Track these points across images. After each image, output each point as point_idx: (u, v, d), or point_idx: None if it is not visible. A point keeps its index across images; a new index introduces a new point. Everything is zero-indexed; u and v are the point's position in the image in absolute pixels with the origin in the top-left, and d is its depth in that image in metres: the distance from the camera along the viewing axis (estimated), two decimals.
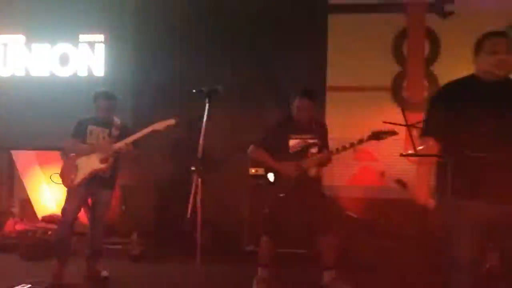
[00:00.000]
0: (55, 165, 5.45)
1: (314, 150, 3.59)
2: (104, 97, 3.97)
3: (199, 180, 2.66)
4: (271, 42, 5.40)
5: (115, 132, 3.87)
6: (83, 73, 5.78)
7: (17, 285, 3.45)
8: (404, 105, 5.43)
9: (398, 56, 5.77)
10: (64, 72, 5.80)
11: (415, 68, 5.79)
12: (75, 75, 5.78)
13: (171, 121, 3.55)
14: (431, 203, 2.35)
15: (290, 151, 3.57)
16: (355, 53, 5.74)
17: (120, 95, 5.35)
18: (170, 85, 5.32)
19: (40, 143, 5.57)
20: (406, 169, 5.68)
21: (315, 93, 3.70)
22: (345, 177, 5.80)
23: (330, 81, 5.77)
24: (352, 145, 3.48)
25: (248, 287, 3.64)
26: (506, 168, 2.24)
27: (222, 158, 4.87)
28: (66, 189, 3.85)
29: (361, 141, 3.48)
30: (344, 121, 5.57)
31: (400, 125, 3.19)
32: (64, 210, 3.83)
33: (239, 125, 5.14)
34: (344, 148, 3.50)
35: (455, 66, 5.66)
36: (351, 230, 5.16)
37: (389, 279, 4.01)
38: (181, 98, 5.13)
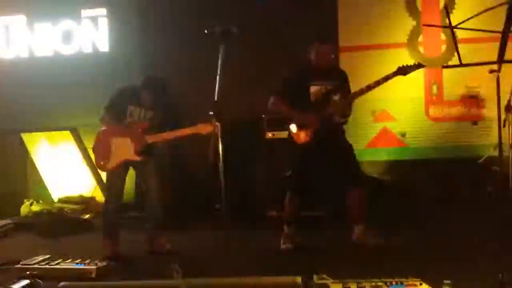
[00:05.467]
0: (66, 145, 5.39)
1: (336, 96, 3.40)
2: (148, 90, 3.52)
3: (219, 124, 2.47)
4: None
5: (158, 114, 3.59)
6: (87, 49, 5.63)
7: (37, 257, 3.31)
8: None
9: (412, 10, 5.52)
10: (68, 50, 5.66)
11: (430, 22, 5.54)
12: (80, 52, 5.63)
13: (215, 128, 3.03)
14: None
15: (311, 98, 3.39)
16: (366, 10, 5.54)
17: (127, 70, 5.32)
18: (179, 54, 5.17)
19: (50, 124, 5.47)
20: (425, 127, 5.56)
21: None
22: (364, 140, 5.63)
23: (342, 41, 5.55)
24: (377, 83, 3.28)
25: (275, 250, 3.51)
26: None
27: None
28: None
29: (387, 78, 3.28)
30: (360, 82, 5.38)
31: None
32: (107, 189, 3.73)
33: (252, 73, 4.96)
34: (369, 88, 3.29)
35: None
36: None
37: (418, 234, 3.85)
38: (193, 66, 4.98)
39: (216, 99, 2.53)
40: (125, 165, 3.65)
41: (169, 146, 3.63)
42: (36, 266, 3.15)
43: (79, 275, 3.06)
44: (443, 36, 5.49)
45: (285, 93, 3.44)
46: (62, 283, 2.21)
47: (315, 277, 2.51)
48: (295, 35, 4.89)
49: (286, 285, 1.90)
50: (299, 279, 1.93)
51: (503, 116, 4.17)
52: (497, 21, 2.26)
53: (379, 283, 2.45)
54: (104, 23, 5.58)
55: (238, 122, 4.90)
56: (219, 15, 5.04)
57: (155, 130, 3.60)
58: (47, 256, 3.34)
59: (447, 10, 2.31)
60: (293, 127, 3.40)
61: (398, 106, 5.61)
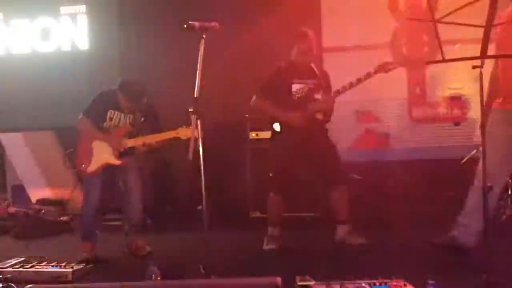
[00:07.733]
0: (45, 146, 5.23)
1: (318, 95, 3.36)
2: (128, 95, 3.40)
3: (199, 122, 2.40)
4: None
5: (138, 118, 3.52)
6: (66, 47, 5.50)
7: (12, 260, 3.19)
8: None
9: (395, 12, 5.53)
10: (46, 48, 5.52)
11: (413, 23, 5.55)
12: (58, 50, 5.50)
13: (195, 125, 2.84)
14: None
15: (294, 97, 3.34)
16: (349, 11, 5.53)
17: (107, 69, 5.19)
18: (160, 51, 5.07)
19: (28, 124, 5.31)
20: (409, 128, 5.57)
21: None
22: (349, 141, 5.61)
23: (325, 42, 5.52)
24: (359, 80, 3.25)
25: (258, 251, 3.44)
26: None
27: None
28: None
29: (368, 75, 3.26)
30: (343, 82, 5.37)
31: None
32: (86, 191, 3.61)
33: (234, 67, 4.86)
34: (351, 85, 3.27)
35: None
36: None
37: (401, 235, 3.82)
38: (175, 62, 4.87)
39: (196, 95, 2.46)
40: (105, 168, 3.57)
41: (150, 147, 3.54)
42: (10, 269, 3.03)
43: (55, 279, 2.95)
44: (425, 38, 5.52)
45: (268, 92, 3.39)
46: (29, 286, 2.09)
47: (297, 278, 2.47)
48: (279, 34, 4.84)
49: (266, 286, 1.84)
50: (279, 280, 1.87)
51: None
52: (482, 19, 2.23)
53: (363, 284, 2.41)
54: (83, 21, 5.46)
55: (221, 121, 4.84)
56: (201, 11, 4.97)
57: (136, 133, 3.54)
58: (21, 259, 3.22)
59: (430, 4, 2.27)
60: (277, 126, 3.35)
61: (381, 107, 5.62)
